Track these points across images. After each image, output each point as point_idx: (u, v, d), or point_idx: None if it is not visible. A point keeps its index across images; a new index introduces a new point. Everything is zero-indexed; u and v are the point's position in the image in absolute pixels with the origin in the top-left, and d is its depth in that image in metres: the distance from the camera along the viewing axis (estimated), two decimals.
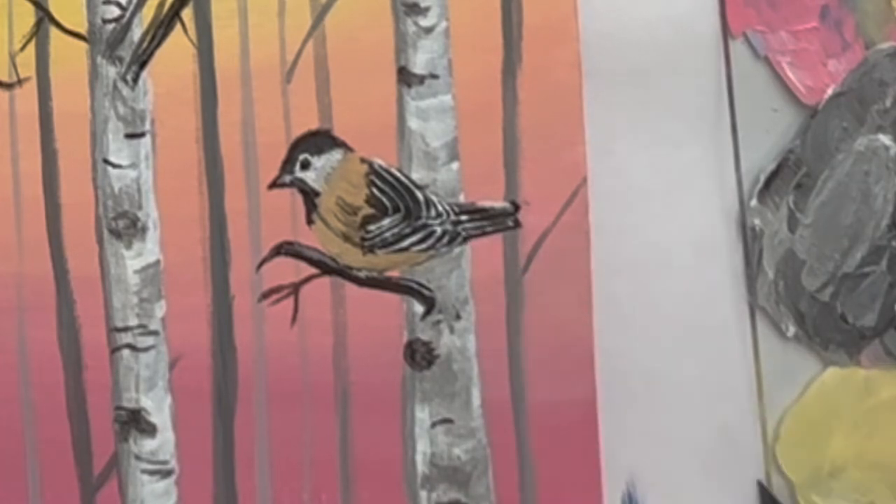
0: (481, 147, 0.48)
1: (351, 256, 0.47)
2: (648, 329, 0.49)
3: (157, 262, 0.47)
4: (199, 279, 0.47)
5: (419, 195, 0.48)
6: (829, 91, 0.50)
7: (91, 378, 0.47)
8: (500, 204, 0.48)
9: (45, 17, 0.46)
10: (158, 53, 0.47)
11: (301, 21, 0.47)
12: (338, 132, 0.47)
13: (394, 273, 0.48)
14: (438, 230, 0.48)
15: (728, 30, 0.49)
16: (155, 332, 0.47)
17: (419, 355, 0.48)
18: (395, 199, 0.47)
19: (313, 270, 0.47)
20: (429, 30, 0.47)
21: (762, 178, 0.50)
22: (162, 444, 0.47)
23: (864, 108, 0.50)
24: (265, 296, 0.47)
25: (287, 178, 0.47)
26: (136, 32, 0.47)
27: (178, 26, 0.47)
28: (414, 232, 0.47)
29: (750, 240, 0.50)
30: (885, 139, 0.50)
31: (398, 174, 0.47)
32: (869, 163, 0.50)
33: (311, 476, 0.48)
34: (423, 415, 0.48)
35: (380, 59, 0.47)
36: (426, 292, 0.48)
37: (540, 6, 0.47)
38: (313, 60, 0.47)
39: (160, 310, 0.47)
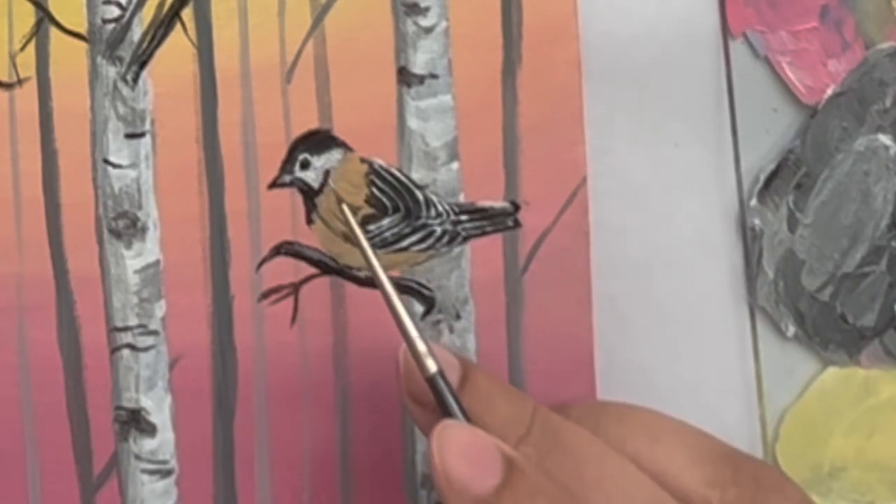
0: (481, 147, 0.48)
1: (351, 256, 0.47)
2: (648, 329, 0.50)
3: (157, 262, 0.47)
4: (199, 279, 0.47)
5: (419, 195, 0.48)
6: (829, 91, 0.50)
7: (91, 378, 0.47)
8: (500, 204, 0.48)
9: (45, 17, 0.46)
10: (158, 53, 0.47)
11: (301, 21, 0.47)
12: (338, 132, 0.47)
13: (394, 273, 0.48)
14: (438, 230, 0.48)
15: (728, 30, 0.49)
16: (155, 332, 0.47)
17: None
18: (395, 198, 0.47)
19: (313, 270, 0.47)
20: (429, 30, 0.47)
21: (762, 178, 0.50)
22: (162, 443, 0.47)
23: (864, 108, 0.50)
24: (265, 296, 0.47)
25: (287, 178, 0.47)
26: (136, 32, 0.47)
27: (178, 26, 0.47)
28: (414, 232, 0.48)
29: (750, 240, 0.50)
30: (885, 139, 0.50)
31: (398, 174, 0.47)
32: (869, 163, 0.50)
33: (311, 476, 0.48)
34: None
35: (380, 59, 0.47)
36: (426, 292, 0.48)
37: (540, 6, 0.47)
38: (313, 60, 0.47)
39: (160, 310, 0.47)
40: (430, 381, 0.40)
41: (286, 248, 0.47)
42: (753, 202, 0.50)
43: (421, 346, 0.40)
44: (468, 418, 0.39)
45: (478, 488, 0.37)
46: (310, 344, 0.47)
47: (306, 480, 0.48)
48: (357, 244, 0.42)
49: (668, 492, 0.39)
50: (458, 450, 0.38)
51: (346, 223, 0.43)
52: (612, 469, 0.38)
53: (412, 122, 0.47)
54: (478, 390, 0.40)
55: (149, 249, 0.47)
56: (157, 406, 0.47)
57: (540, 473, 0.38)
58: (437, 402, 0.40)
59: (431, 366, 0.40)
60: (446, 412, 0.39)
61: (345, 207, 0.44)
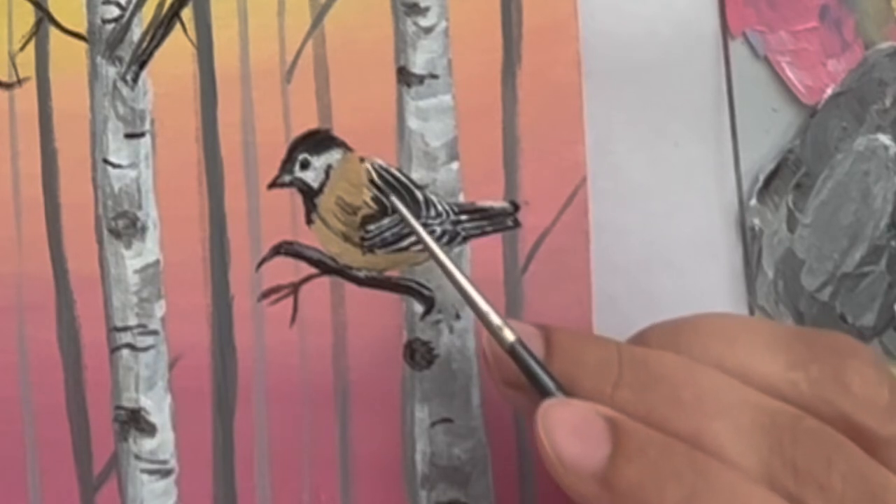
0: (481, 147, 0.48)
1: (351, 256, 0.47)
2: None
3: (157, 262, 0.47)
4: (199, 279, 0.47)
5: (419, 195, 0.48)
6: (829, 91, 0.50)
7: (91, 378, 0.47)
8: (499, 204, 0.48)
9: (45, 17, 0.46)
10: (158, 53, 0.47)
11: (301, 21, 0.47)
12: (338, 132, 0.47)
13: (393, 273, 0.48)
14: (438, 230, 0.48)
15: (728, 30, 0.50)
16: (155, 332, 0.47)
17: (419, 355, 0.48)
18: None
19: (313, 270, 0.47)
20: (429, 30, 0.47)
21: (761, 178, 0.50)
22: (161, 443, 0.47)
23: (863, 107, 0.50)
24: (265, 295, 0.47)
25: (287, 178, 0.47)
26: (136, 32, 0.47)
27: (177, 26, 0.47)
28: (414, 232, 0.47)
29: (749, 239, 0.50)
30: (884, 139, 0.50)
31: (398, 174, 0.47)
32: (868, 162, 0.50)
33: (311, 476, 0.48)
34: (422, 414, 0.48)
35: (380, 59, 0.47)
36: (426, 292, 0.48)
37: (540, 6, 0.47)
38: (313, 60, 0.47)
39: (160, 309, 0.47)
40: (512, 352, 0.40)
41: (286, 248, 0.47)
42: (753, 202, 0.50)
43: (495, 320, 0.41)
44: (557, 381, 0.40)
45: (593, 463, 0.38)
46: (310, 344, 0.47)
47: (306, 480, 0.48)
48: (417, 234, 0.44)
49: (757, 387, 0.39)
50: (565, 430, 0.38)
51: (405, 219, 0.45)
52: (704, 384, 0.39)
53: (412, 122, 0.47)
54: (563, 350, 0.41)
55: (148, 249, 0.47)
56: (157, 406, 0.47)
57: (642, 427, 0.38)
58: (524, 374, 0.40)
59: (509, 336, 0.41)
60: (535, 382, 0.40)
61: (396, 201, 0.45)
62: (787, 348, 0.40)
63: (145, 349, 0.47)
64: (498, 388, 0.42)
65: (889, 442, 0.39)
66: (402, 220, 0.45)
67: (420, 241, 0.44)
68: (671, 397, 0.39)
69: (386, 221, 0.47)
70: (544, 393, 0.40)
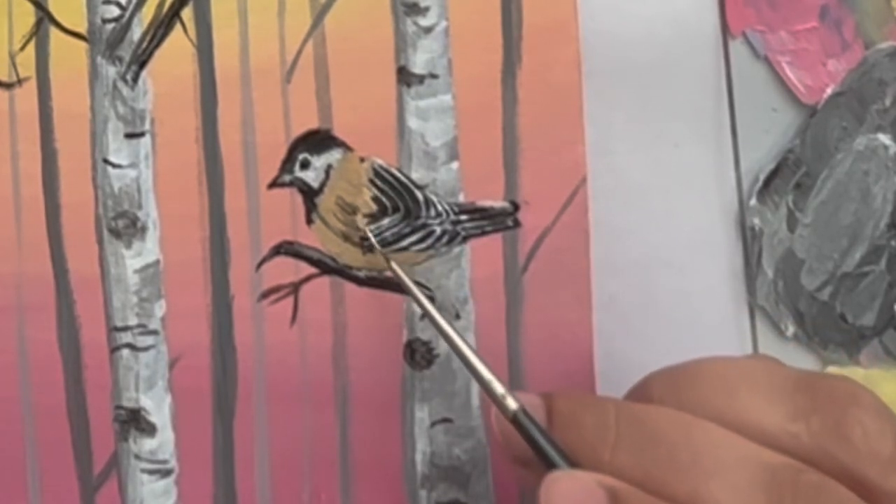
0: (481, 147, 0.48)
1: (351, 256, 0.47)
2: (648, 329, 0.50)
3: (157, 262, 0.47)
4: (199, 279, 0.47)
5: (419, 195, 0.48)
6: (829, 91, 0.50)
7: (91, 378, 0.47)
8: (499, 203, 0.48)
9: (45, 17, 0.46)
10: (158, 53, 0.47)
11: (301, 21, 0.47)
12: (338, 132, 0.47)
13: None
14: (438, 230, 0.48)
15: (727, 29, 0.50)
16: (155, 332, 0.47)
17: (419, 355, 0.48)
18: (394, 198, 0.47)
19: (313, 270, 0.47)
20: (429, 29, 0.47)
21: (761, 178, 0.50)
22: (161, 443, 0.47)
23: (863, 107, 0.50)
24: (265, 295, 0.47)
25: (287, 178, 0.47)
26: (136, 32, 0.47)
27: (178, 26, 0.47)
28: (413, 232, 0.48)
29: (749, 239, 0.50)
30: (884, 139, 0.50)
31: (398, 174, 0.47)
32: (868, 162, 0.50)
33: (311, 476, 0.48)
34: (422, 414, 0.48)
35: (380, 59, 0.47)
36: (426, 292, 0.48)
37: (540, 6, 0.47)
38: (313, 60, 0.47)
39: (160, 309, 0.47)
40: (515, 421, 0.41)
41: (286, 248, 0.47)
42: (753, 202, 0.50)
43: (499, 389, 0.41)
44: (560, 449, 0.40)
45: None
46: (310, 344, 0.47)
47: (306, 480, 0.48)
48: (414, 298, 0.44)
49: (757, 439, 0.39)
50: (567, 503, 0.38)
51: (399, 280, 0.45)
52: (701, 441, 0.38)
53: (412, 122, 0.47)
54: (563, 417, 0.40)
55: (148, 249, 0.47)
56: (157, 406, 0.47)
57: (642, 495, 0.38)
58: (527, 443, 0.40)
59: (512, 404, 0.41)
60: (538, 450, 0.40)
61: (394, 265, 0.45)
62: (787, 398, 0.40)
63: (145, 349, 0.47)
64: (511, 466, 0.42)
65: (892, 495, 0.39)
66: (401, 285, 0.45)
67: (421, 307, 0.44)
68: (667, 458, 0.38)
69: (386, 221, 0.47)
70: (547, 461, 0.40)
